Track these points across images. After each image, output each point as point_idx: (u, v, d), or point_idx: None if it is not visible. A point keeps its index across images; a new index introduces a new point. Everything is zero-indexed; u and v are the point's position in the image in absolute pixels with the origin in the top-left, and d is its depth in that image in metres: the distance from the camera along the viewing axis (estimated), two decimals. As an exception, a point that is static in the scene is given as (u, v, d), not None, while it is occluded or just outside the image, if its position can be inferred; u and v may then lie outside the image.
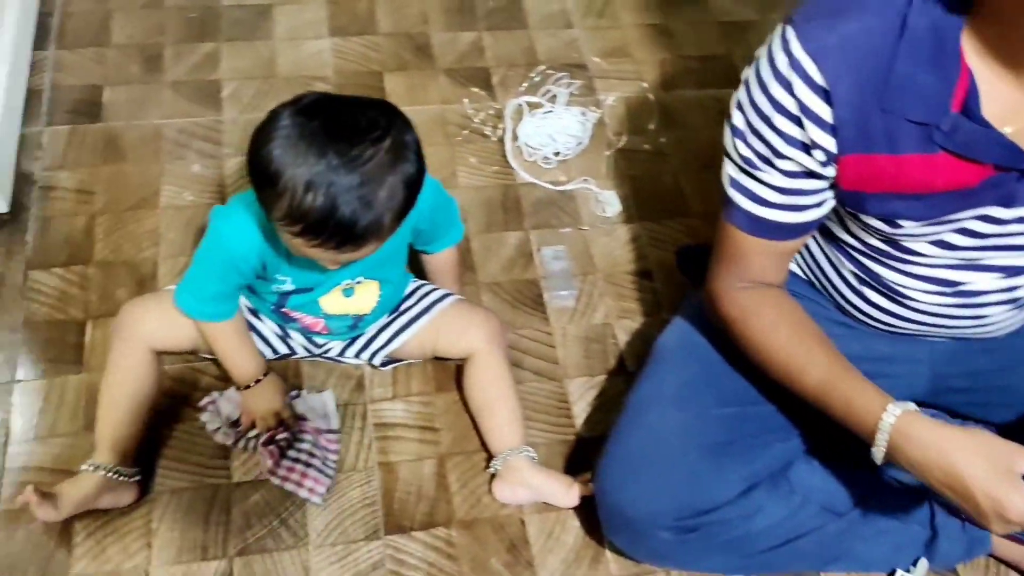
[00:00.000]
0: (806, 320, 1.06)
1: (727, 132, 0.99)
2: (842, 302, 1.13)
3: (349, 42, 1.80)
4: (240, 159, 1.59)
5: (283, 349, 1.32)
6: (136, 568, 1.18)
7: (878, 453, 0.95)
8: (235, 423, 1.28)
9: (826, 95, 0.88)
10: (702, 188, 1.66)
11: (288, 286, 1.19)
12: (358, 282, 1.21)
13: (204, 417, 1.30)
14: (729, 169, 1.01)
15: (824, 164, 0.93)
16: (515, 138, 1.67)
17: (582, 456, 1.34)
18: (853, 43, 0.87)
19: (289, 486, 1.24)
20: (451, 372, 1.39)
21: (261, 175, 0.99)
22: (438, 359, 1.38)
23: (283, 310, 1.25)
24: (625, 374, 1.43)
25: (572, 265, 1.53)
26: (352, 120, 0.99)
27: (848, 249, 1.07)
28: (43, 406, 1.30)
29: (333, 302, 1.22)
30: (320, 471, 1.25)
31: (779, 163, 0.94)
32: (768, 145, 0.94)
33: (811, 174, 0.95)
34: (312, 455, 1.26)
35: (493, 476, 1.29)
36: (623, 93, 1.79)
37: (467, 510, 1.28)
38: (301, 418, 1.28)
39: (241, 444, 1.28)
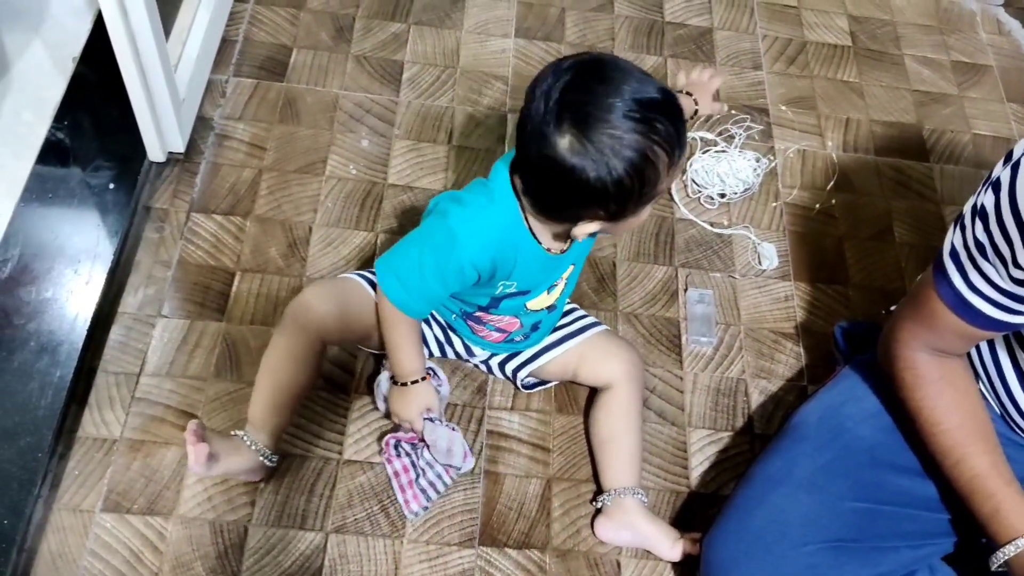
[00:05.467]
0: (981, 411, 1.02)
1: (971, 203, 0.91)
2: (1017, 416, 1.05)
3: (533, 45, 1.79)
4: (409, 142, 1.61)
5: (437, 353, 1.32)
6: (237, 522, 1.20)
7: (998, 559, 0.96)
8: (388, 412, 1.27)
9: None
10: (866, 258, 1.59)
11: (512, 289, 1.15)
12: (567, 272, 1.18)
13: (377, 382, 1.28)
14: (955, 239, 0.94)
15: None
16: (683, 172, 1.63)
17: (691, 510, 1.30)
18: None
19: (394, 484, 1.23)
20: (574, 395, 1.37)
21: (626, 181, 0.93)
22: (569, 383, 1.36)
23: (478, 315, 1.22)
24: (751, 435, 1.37)
25: (716, 312, 1.49)
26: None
27: None
28: (180, 346, 1.33)
29: (538, 300, 1.19)
30: (423, 491, 1.23)
31: (1012, 270, 0.87)
32: (1010, 247, 0.86)
33: None
34: (424, 472, 1.23)
35: (598, 512, 1.26)
36: (801, 146, 1.72)
37: (565, 539, 1.25)
38: (423, 441, 1.23)
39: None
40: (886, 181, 1.71)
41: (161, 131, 1.45)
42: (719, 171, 1.62)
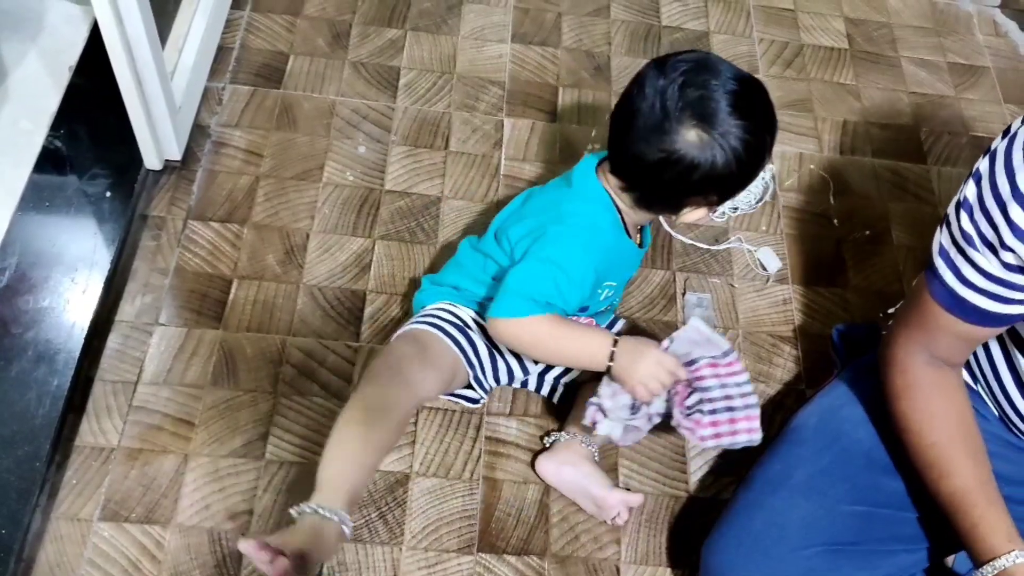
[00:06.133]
0: (970, 424, 1.01)
1: (955, 199, 0.93)
2: (1015, 418, 1.05)
3: (530, 50, 1.79)
4: (405, 148, 1.61)
5: (493, 383, 1.29)
6: (235, 530, 1.20)
7: None
8: (633, 407, 1.13)
9: None
10: (864, 261, 1.59)
11: (609, 291, 1.22)
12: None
13: (601, 430, 1.14)
14: (943, 238, 0.95)
15: None
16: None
17: (690, 515, 1.29)
18: None
19: (725, 442, 1.10)
20: (571, 403, 1.36)
21: (746, 163, 1.07)
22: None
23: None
24: (749, 440, 1.37)
25: (714, 316, 1.48)
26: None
27: None
28: (177, 354, 1.33)
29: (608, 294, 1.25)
30: (746, 406, 1.09)
31: (1001, 253, 0.88)
32: (995, 231, 0.88)
33: None
34: (727, 396, 1.10)
35: (537, 453, 1.29)
36: (798, 148, 1.72)
37: (563, 545, 1.25)
38: (689, 363, 1.11)
39: (646, 425, 1.14)
40: (883, 183, 1.71)
41: (158, 139, 1.45)
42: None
